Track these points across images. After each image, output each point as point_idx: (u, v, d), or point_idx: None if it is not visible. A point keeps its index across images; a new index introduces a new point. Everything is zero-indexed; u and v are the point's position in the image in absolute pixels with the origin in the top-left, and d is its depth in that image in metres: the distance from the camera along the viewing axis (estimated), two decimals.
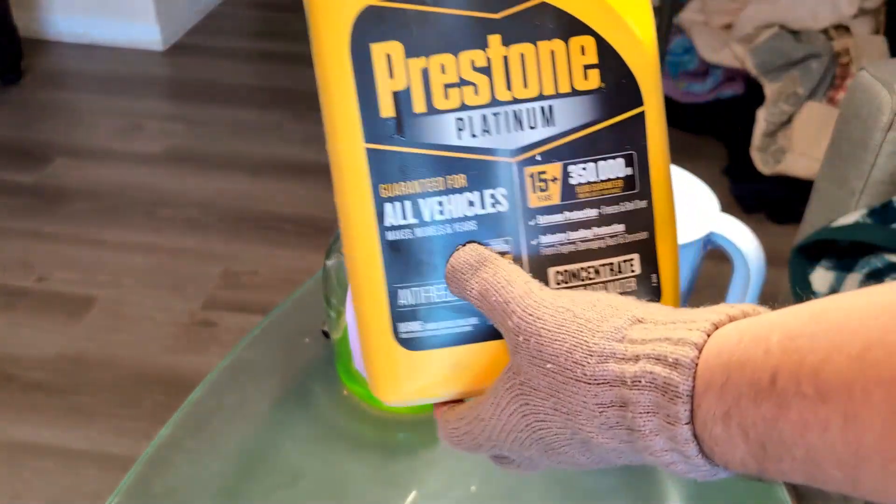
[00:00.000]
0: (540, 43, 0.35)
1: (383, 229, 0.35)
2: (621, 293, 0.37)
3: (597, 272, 0.37)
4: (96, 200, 1.93)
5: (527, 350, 0.32)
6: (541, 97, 0.35)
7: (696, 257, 0.56)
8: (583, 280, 0.37)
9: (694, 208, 0.60)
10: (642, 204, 0.37)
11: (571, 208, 0.36)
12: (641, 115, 0.36)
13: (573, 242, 0.36)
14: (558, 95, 0.36)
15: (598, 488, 0.58)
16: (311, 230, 1.86)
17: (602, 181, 0.36)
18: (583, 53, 0.35)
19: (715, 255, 0.57)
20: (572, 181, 0.36)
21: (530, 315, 0.32)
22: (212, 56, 2.66)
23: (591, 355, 0.30)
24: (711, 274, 0.90)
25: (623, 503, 0.58)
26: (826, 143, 1.16)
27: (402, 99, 0.35)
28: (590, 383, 0.30)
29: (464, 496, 0.57)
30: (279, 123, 2.29)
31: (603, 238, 0.37)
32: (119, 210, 1.90)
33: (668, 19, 1.57)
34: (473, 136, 0.35)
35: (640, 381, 0.28)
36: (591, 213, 0.36)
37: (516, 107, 0.35)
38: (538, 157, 0.36)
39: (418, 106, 0.35)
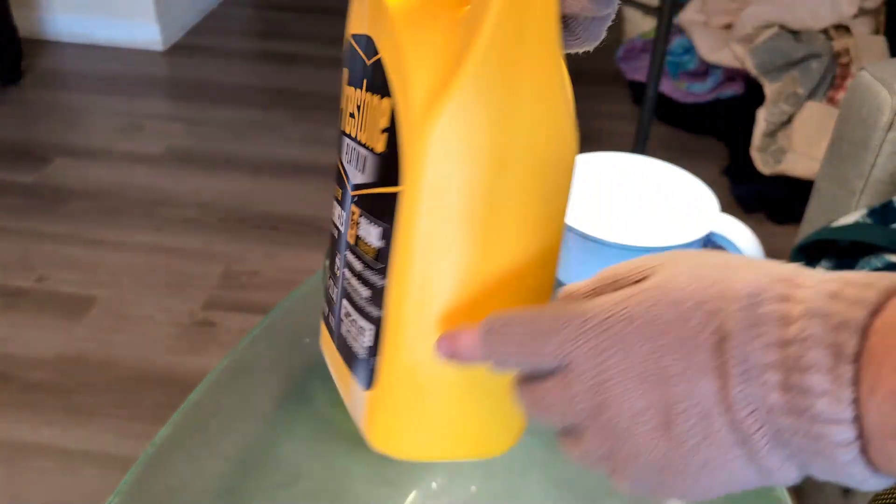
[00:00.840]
0: (372, 96, 0.36)
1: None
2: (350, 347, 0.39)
3: (347, 315, 0.39)
4: (96, 200, 1.93)
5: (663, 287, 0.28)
6: (365, 146, 0.37)
7: None
8: (343, 321, 0.39)
9: (694, 208, 0.60)
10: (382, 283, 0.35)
11: (355, 254, 0.38)
12: (396, 195, 0.34)
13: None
14: (368, 148, 0.36)
15: (598, 488, 0.58)
16: (311, 230, 1.86)
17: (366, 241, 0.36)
18: (383, 116, 0.35)
19: None
20: (361, 232, 0.37)
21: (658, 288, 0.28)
22: (212, 56, 2.67)
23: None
24: None
25: (623, 503, 0.58)
26: (826, 143, 1.16)
27: None
28: (743, 296, 0.26)
29: (464, 496, 0.57)
30: (279, 123, 2.29)
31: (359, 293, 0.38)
32: (119, 210, 1.90)
33: (667, 19, 1.57)
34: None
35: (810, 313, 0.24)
36: (357, 264, 0.37)
37: (357, 146, 0.38)
38: (356, 198, 0.38)
39: None
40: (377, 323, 0.36)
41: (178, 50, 2.69)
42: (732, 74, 2.09)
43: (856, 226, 0.96)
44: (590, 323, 0.29)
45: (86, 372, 1.46)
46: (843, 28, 1.96)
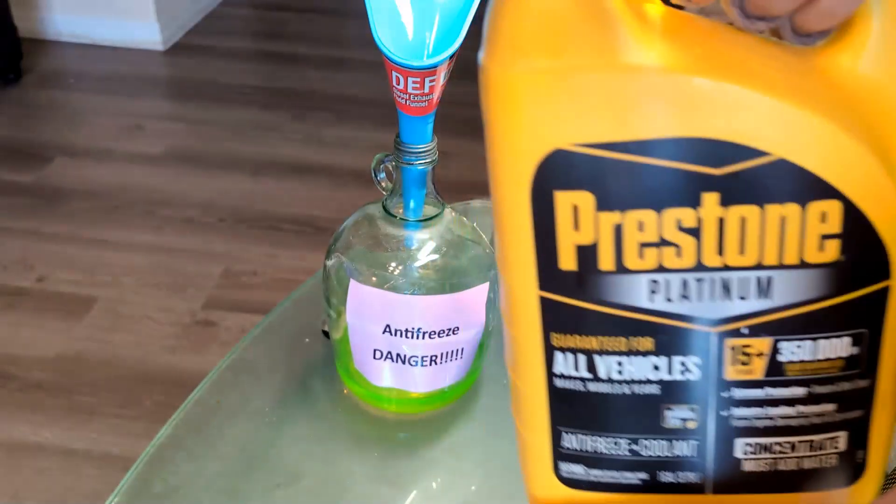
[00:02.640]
0: (768, 206, 0.29)
1: (551, 375, 0.33)
2: (816, 468, 0.33)
3: (793, 448, 0.33)
4: (96, 200, 1.93)
5: None
6: (758, 267, 0.30)
7: None
8: (774, 454, 0.33)
9: None
10: (863, 384, 0.32)
11: (775, 385, 0.32)
12: (885, 290, 0.30)
13: (771, 418, 0.32)
14: (781, 267, 0.30)
15: None
16: (311, 230, 1.86)
17: (819, 360, 0.31)
18: (823, 221, 0.29)
19: None
20: (781, 358, 0.31)
21: None
22: (212, 56, 2.66)
23: None
24: None
25: None
26: None
27: (586, 254, 0.30)
28: None
29: (464, 496, 0.57)
30: (279, 123, 2.29)
31: (808, 416, 0.32)
32: (119, 210, 1.90)
33: None
34: (668, 300, 0.31)
35: None
36: (799, 391, 0.32)
37: (726, 274, 0.30)
38: (744, 331, 0.31)
39: (605, 263, 0.30)
40: (855, 423, 0.33)
41: (178, 50, 2.69)
42: None
43: None
44: None
45: (86, 372, 1.46)
46: None
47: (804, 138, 0.28)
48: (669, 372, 0.32)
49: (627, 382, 0.32)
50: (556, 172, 0.29)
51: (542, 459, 0.35)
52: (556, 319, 0.32)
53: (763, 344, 0.31)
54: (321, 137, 2.20)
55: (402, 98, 0.47)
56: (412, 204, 0.53)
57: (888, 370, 0.32)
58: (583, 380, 0.33)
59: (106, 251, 1.77)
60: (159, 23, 2.63)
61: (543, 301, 0.31)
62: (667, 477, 0.33)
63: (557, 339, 0.32)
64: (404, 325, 0.54)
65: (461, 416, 0.62)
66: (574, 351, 0.32)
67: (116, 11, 2.61)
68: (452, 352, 0.56)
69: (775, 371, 0.32)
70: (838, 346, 0.31)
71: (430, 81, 0.46)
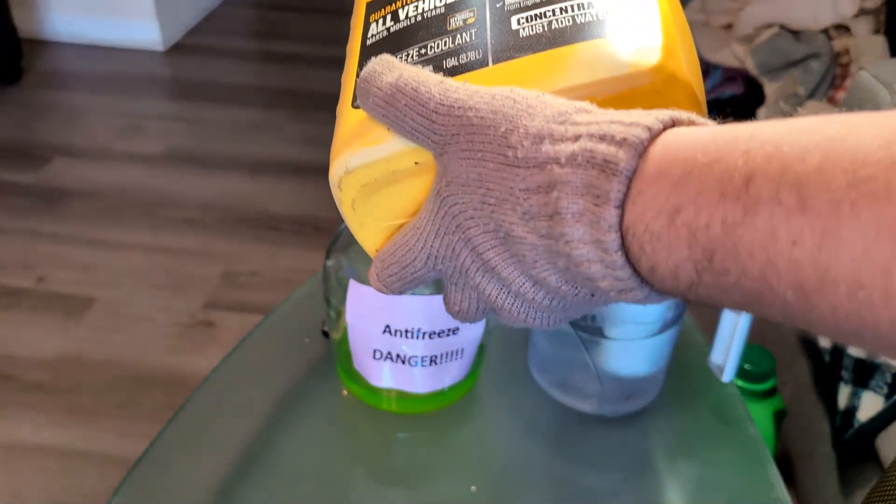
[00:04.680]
0: None
1: (364, 41, 0.38)
2: (591, 21, 0.34)
3: (563, 10, 0.34)
4: (96, 200, 1.93)
5: (456, 144, 0.30)
6: None
7: None
8: (547, 18, 0.34)
9: None
10: None
11: None
12: None
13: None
14: None
15: (598, 488, 0.58)
16: (311, 230, 1.86)
17: None
18: None
19: None
20: None
21: (459, 107, 0.30)
22: (212, 56, 2.66)
23: (526, 137, 0.27)
24: None
25: (623, 503, 0.58)
26: None
27: None
28: (520, 167, 0.27)
29: (464, 496, 0.57)
30: (279, 123, 2.29)
31: None
32: (119, 210, 1.90)
33: None
34: None
35: (576, 159, 0.26)
36: None
37: None
38: None
39: None
40: None
41: (178, 50, 2.69)
42: (732, 74, 2.09)
43: None
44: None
45: (86, 372, 1.46)
46: (843, 28, 1.96)
47: None
48: None
49: (420, 15, 0.37)
50: None
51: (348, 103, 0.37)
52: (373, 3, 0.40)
53: None
54: (321, 137, 2.20)
55: None
56: None
57: None
58: (387, 28, 0.38)
59: (106, 251, 1.77)
60: (159, 23, 2.63)
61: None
62: (451, 62, 0.35)
63: (373, 16, 0.39)
64: (404, 325, 0.54)
65: (461, 416, 0.62)
66: (383, 17, 0.39)
67: (116, 11, 2.61)
68: (452, 352, 0.56)
69: None
70: None
71: None
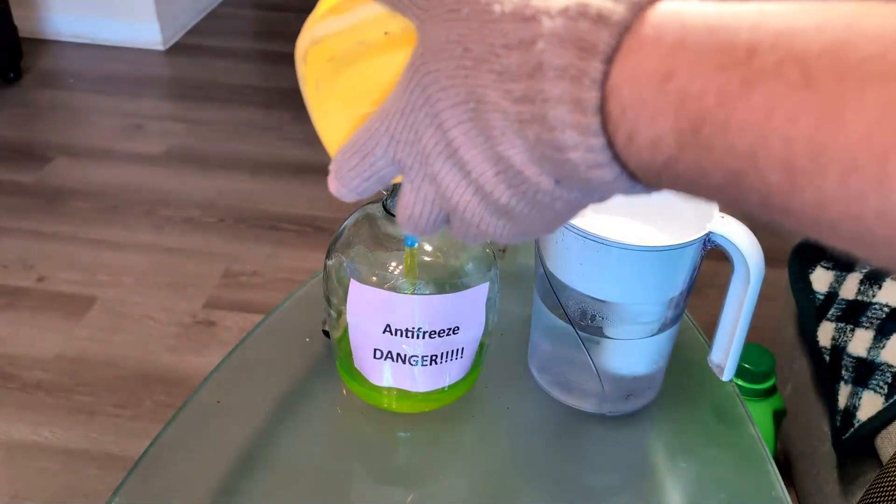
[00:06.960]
0: None
1: None
2: None
3: None
4: (96, 200, 1.93)
5: (441, 6, 0.28)
6: None
7: (696, 257, 0.56)
8: None
9: (693, 209, 0.60)
10: None
11: None
12: None
13: None
14: None
15: (598, 487, 0.58)
16: (311, 230, 1.86)
17: None
18: None
19: (715, 255, 0.57)
20: None
21: None
22: (212, 56, 2.67)
23: None
24: (711, 274, 0.90)
25: (623, 503, 0.58)
26: None
27: None
28: (506, 21, 0.26)
29: (464, 496, 0.57)
30: (279, 123, 2.29)
31: None
32: (119, 210, 1.90)
33: None
34: None
35: (567, 12, 0.25)
36: None
37: None
38: None
39: None
40: None
41: (178, 50, 2.69)
42: None
43: None
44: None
45: (86, 372, 1.46)
46: None
47: None
48: None
49: None
50: None
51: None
52: None
53: None
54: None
55: None
56: None
57: None
58: None
59: (106, 251, 1.77)
60: (159, 23, 2.63)
61: None
62: None
63: None
64: (404, 324, 0.54)
65: (461, 416, 0.62)
66: None
67: (116, 11, 2.61)
68: (452, 351, 0.56)
69: None
70: None
71: None
